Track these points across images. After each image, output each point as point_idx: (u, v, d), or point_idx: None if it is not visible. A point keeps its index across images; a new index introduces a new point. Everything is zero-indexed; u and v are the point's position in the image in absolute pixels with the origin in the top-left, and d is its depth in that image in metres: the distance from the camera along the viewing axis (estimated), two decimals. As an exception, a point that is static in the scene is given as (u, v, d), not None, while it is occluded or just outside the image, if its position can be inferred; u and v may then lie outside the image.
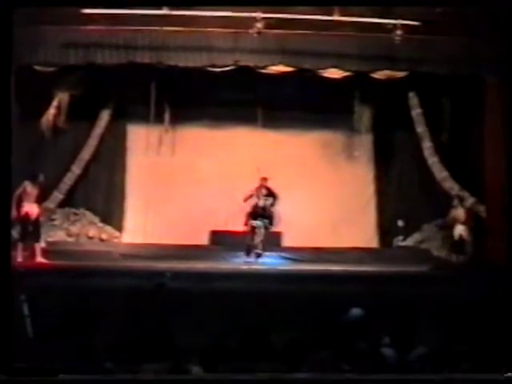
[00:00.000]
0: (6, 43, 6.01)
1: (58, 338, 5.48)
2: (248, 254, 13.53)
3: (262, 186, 13.85)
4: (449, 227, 14.05)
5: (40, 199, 12.79)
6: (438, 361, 5.26)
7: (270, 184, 13.87)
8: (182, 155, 15.04)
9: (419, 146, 14.41)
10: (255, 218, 13.64)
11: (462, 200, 13.86)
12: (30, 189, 12.37)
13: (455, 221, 13.79)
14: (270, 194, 13.92)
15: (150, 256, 13.46)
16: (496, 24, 11.90)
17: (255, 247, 13.51)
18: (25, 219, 12.30)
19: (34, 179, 12.44)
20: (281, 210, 14.32)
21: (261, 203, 13.68)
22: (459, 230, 13.67)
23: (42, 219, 12.92)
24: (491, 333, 6.07)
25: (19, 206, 12.24)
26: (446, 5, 11.39)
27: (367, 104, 14.69)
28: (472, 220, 13.83)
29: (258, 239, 13.53)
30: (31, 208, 12.42)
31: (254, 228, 13.61)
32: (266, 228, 13.71)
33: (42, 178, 12.64)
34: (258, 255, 13.47)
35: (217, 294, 9.92)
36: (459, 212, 13.76)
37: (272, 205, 13.94)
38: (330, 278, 11.46)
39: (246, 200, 13.72)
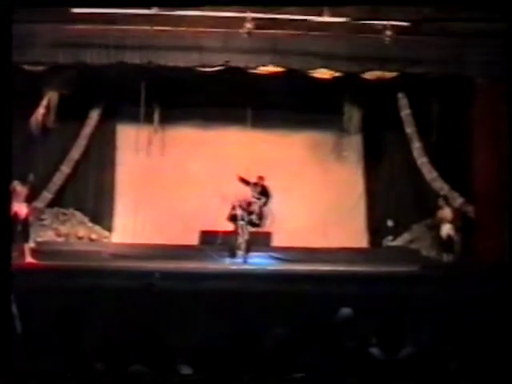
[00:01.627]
0: (5, 43, 6.00)
1: (47, 338, 5.45)
2: (231, 256, 13.48)
3: (257, 184, 13.89)
4: (437, 227, 14.10)
5: (29, 199, 12.73)
6: (427, 360, 5.25)
7: (265, 183, 13.95)
8: (171, 155, 15.04)
9: (408, 147, 14.44)
10: (238, 218, 13.62)
11: (447, 200, 13.90)
12: (20, 188, 12.30)
13: (442, 221, 13.85)
14: (264, 193, 13.94)
15: (139, 256, 13.44)
16: (485, 25, 12.01)
17: (238, 248, 13.46)
18: (14, 219, 12.21)
19: (23, 179, 12.38)
20: (270, 209, 14.33)
21: (245, 203, 13.67)
22: (446, 229, 13.74)
23: (31, 219, 12.86)
24: (481, 332, 6.06)
25: None
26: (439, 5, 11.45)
27: (357, 104, 14.69)
28: (460, 220, 13.88)
29: (240, 240, 13.49)
30: (20, 208, 12.35)
31: (237, 228, 13.59)
32: (253, 224, 13.68)
33: (31, 177, 12.58)
34: (245, 258, 13.42)
35: (206, 294, 9.90)
36: (445, 212, 13.83)
37: (265, 204, 13.97)
38: (319, 278, 11.43)
39: (241, 180, 13.72)
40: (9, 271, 5.60)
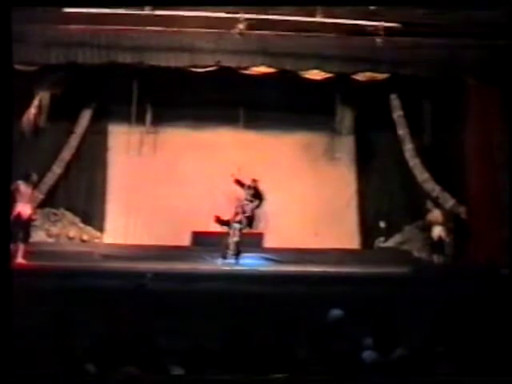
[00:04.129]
0: (5, 43, 6.00)
1: (38, 340, 5.43)
2: (223, 257, 13.44)
3: (251, 187, 13.87)
4: (428, 229, 14.09)
5: (33, 199, 12.64)
6: (419, 362, 5.25)
7: (259, 186, 13.93)
8: (163, 155, 14.99)
9: (400, 148, 14.41)
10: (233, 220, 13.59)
11: (437, 202, 13.88)
12: (24, 188, 12.13)
13: (432, 223, 13.85)
14: (257, 195, 13.93)
15: (131, 257, 13.36)
16: (478, 26, 12.03)
17: (229, 249, 13.42)
18: (16, 219, 12.02)
19: (27, 179, 12.26)
20: (262, 210, 14.31)
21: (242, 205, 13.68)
22: (437, 230, 13.71)
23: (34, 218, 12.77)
24: (472, 333, 6.08)
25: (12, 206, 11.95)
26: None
27: (349, 106, 14.71)
28: (452, 221, 13.87)
29: (230, 240, 13.44)
30: (24, 208, 12.15)
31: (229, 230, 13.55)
32: (245, 225, 13.67)
33: (34, 177, 12.51)
34: (236, 260, 13.40)
35: (198, 295, 9.86)
36: (435, 214, 13.82)
37: (257, 207, 13.96)
38: (311, 280, 11.34)
39: (236, 182, 13.71)
40: (9, 271, 5.57)
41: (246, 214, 13.68)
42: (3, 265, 5.56)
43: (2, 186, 5.77)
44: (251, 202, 13.88)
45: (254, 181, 13.98)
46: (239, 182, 13.89)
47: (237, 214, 13.57)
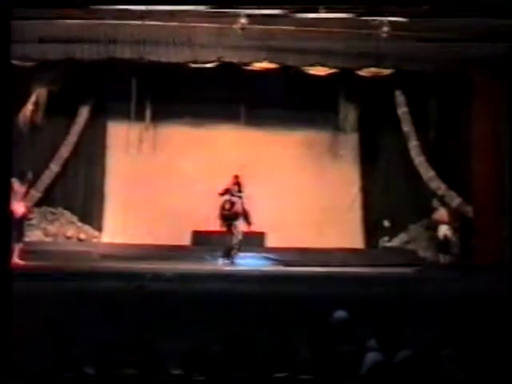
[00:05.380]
0: (4, 42, 5.90)
1: (35, 342, 5.30)
2: (226, 256, 13.24)
3: (235, 184, 13.70)
4: (434, 228, 13.96)
5: (27, 198, 12.51)
6: (424, 364, 5.08)
7: (242, 181, 13.74)
8: (163, 153, 14.90)
9: (405, 146, 14.31)
10: (228, 219, 13.38)
11: (442, 200, 13.75)
12: (18, 187, 12.07)
13: (438, 222, 13.74)
14: (240, 191, 13.77)
15: (130, 257, 13.27)
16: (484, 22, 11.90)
17: (231, 249, 13.24)
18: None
19: (21, 177, 12.16)
20: (264, 209, 14.14)
21: (230, 203, 13.46)
22: (443, 230, 13.63)
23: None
24: (478, 334, 5.94)
25: None
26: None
27: (352, 102, 14.62)
28: (457, 220, 13.78)
29: (235, 240, 13.25)
30: (17, 207, 12.07)
31: (230, 229, 13.35)
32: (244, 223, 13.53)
33: (30, 175, 12.45)
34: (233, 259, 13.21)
35: (199, 296, 9.75)
36: (441, 213, 13.73)
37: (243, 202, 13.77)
38: (314, 280, 11.32)
39: (222, 194, 13.52)
40: (8, 272, 5.49)
41: (237, 211, 13.42)
42: (2, 265, 5.45)
43: (1, 185, 5.65)
44: (239, 198, 13.66)
45: (236, 177, 13.77)
46: (224, 192, 13.60)
47: (223, 206, 13.32)
